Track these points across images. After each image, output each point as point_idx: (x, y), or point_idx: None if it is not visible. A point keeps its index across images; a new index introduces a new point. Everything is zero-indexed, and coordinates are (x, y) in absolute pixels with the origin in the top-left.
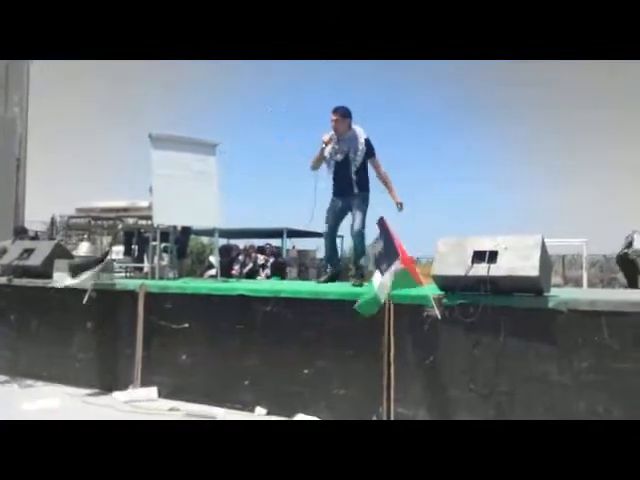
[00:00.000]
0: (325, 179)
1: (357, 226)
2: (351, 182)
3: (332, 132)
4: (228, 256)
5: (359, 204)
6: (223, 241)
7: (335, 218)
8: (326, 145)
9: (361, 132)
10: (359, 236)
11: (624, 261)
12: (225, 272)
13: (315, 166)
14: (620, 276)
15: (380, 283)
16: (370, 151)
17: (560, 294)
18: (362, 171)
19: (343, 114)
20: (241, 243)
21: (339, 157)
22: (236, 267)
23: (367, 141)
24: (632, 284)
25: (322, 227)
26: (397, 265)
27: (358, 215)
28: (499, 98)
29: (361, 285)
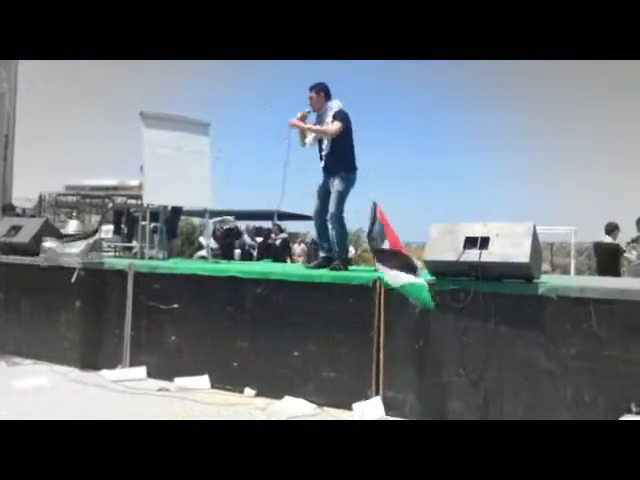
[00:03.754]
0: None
1: (331, 209)
2: (329, 162)
3: (307, 109)
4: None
5: (336, 186)
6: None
7: (320, 199)
8: (300, 120)
9: (334, 105)
10: (333, 221)
11: (613, 252)
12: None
13: (302, 143)
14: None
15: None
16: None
17: (550, 281)
18: (338, 148)
19: (318, 91)
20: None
21: (319, 135)
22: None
23: (336, 113)
24: (604, 273)
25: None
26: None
27: (333, 198)
28: (489, 90)
29: (339, 271)
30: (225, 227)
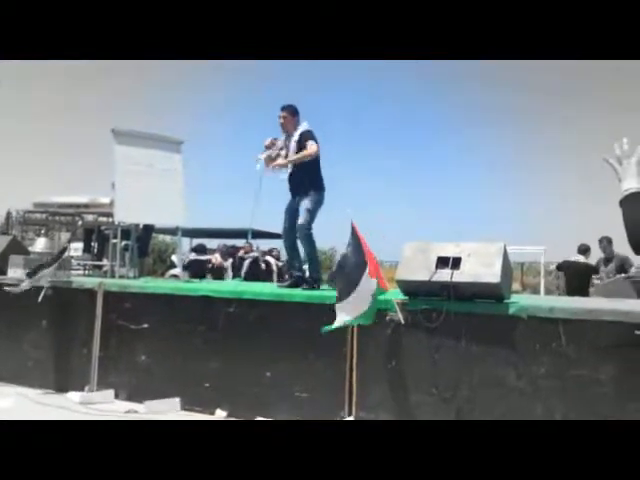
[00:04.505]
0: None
1: (299, 227)
2: (296, 182)
3: (272, 137)
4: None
5: (305, 204)
6: (186, 240)
7: (290, 219)
8: (267, 148)
9: (303, 127)
10: (302, 238)
11: (587, 271)
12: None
13: (274, 167)
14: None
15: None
16: (302, 145)
17: (520, 301)
18: (305, 170)
19: (291, 112)
20: (206, 243)
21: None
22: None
23: (301, 135)
24: (574, 293)
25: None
26: (369, 282)
27: (302, 216)
28: (471, 102)
29: (313, 289)
30: (188, 260)
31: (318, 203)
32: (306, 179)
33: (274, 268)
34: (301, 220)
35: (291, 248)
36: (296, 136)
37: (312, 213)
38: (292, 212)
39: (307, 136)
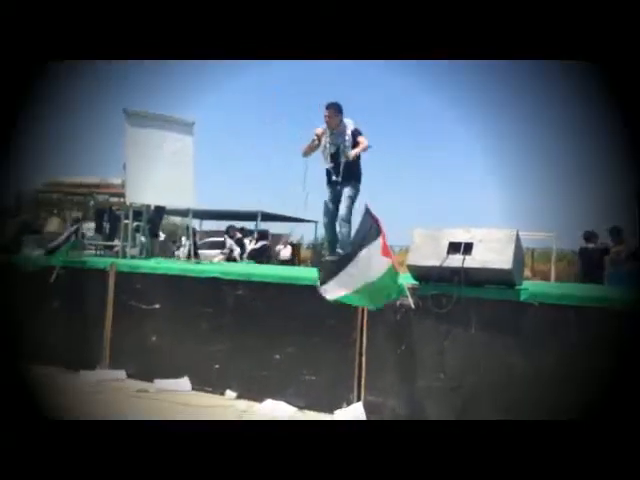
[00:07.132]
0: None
1: (342, 214)
2: (342, 172)
3: (324, 126)
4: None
5: (347, 192)
6: (196, 222)
7: (331, 208)
8: (318, 138)
9: (350, 124)
10: (344, 225)
11: (598, 256)
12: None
13: (306, 153)
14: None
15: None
16: (355, 140)
17: (531, 287)
18: (354, 161)
19: (336, 110)
20: (214, 225)
21: (332, 149)
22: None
23: (353, 132)
24: (590, 280)
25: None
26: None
27: (345, 203)
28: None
29: None
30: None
31: (358, 191)
32: (352, 170)
33: (246, 248)
34: (343, 210)
35: (332, 234)
36: (348, 135)
37: (353, 201)
38: (331, 202)
39: (359, 132)
